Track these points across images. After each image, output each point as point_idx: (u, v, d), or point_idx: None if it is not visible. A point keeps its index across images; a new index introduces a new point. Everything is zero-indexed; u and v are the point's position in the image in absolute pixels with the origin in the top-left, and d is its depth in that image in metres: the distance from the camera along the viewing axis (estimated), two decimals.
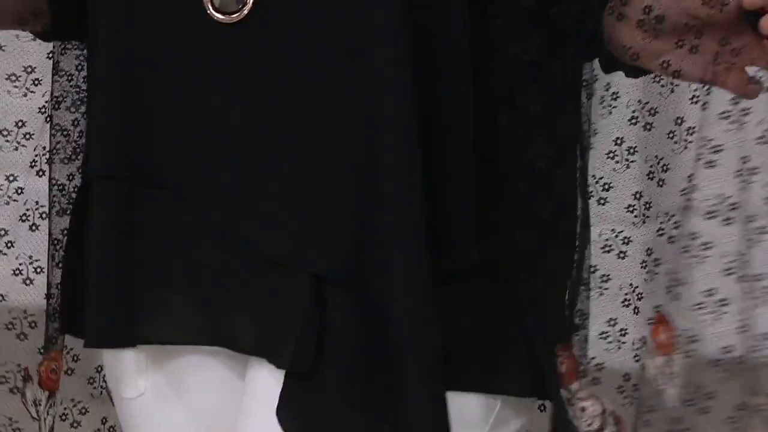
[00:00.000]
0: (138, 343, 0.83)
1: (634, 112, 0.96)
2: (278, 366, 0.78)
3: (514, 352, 0.81)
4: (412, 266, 0.75)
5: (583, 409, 0.97)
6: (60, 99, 0.95)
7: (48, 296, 0.95)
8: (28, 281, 1.02)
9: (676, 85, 0.94)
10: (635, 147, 0.96)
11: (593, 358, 0.98)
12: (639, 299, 0.97)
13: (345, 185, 0.77)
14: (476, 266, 0.79)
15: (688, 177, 0.94)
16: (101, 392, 1.07)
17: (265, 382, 0.79)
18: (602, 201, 0.98)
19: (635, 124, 0.96)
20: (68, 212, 0.94)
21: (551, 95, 0.86)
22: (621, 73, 0.91)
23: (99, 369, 1.06)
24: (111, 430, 1.07)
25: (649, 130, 0.95)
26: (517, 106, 0.83)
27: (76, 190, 0.94)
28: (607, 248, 0.98)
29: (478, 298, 0.80)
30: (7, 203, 1.01)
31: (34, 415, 1.00)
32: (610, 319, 0.98)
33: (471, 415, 0.80)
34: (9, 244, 1.02)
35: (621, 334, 0.97)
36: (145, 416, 0.86)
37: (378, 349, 0.76)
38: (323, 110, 0.77)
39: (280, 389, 0.78)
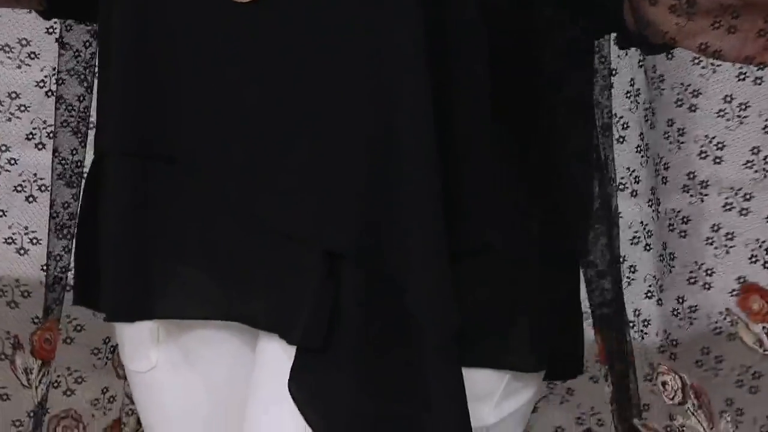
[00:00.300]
0: (154, 317, 0.83)
1: (678, 94, 0.94)
2: (290, 342, 0.78)
3: (525, 328, 0.81)
4: (430, 242, 0.75)
5: (664, 384, 0.99)
6: (67, 74, 0.96)
7: (47, 266, 0.96)
8: (22, 251, 1.02)
9: (719, 65, 0.91)
10: (684, 128, 0.95)
11: (670, 333, 0.99)
12: (709, 275, 0.96)
13: (362, 162, 0.76)
14: (491, 244, 0.79)
15: (752, 150, 0.92)
16: (106, 363, 1.08)
17: (275, 354, 0.79)
18: (664, 180, 0.97)
19: (681, 106, 0.94)
20: (71, 185, 0.96)
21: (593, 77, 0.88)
22: (660, 57, 0.90)
23: (106, 340, 1.07)
24: (111, 399, 1.08)
25: (694, 111, 0.93)
26: (568, 94, 0.85)
27: (78, 164, 0.96)
28: (671, 227, 0.98)
29: (491, 275, 0.80)
30: None
31: (25, 383, 1.01)
32: (678, 297, 0.98)
33: (480, 389, 0.80)
34: (0, 213, 1.03)
35: (691, 311, 0.98)
36: (157, 389, 0.87)
37: (393, 326, 0.76)
38: (341, 87, 0.76)
39: (290, 362, 0.77)
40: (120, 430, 1.11)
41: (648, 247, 1.00)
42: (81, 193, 0.94)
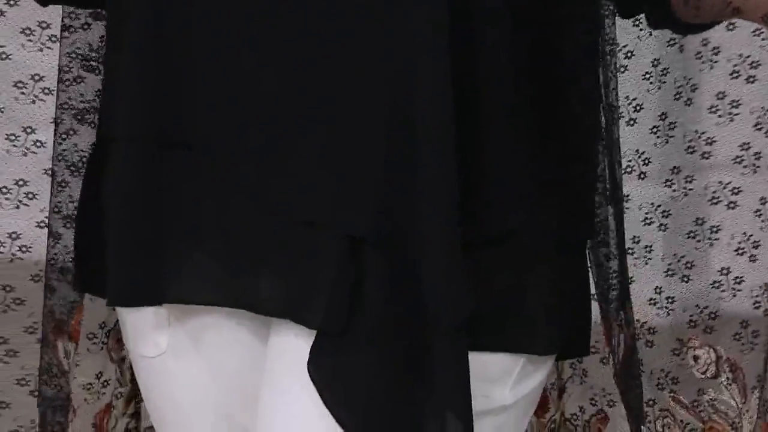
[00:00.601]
0: (163, 302, 0.81)
1: (735, 66, 0.95)
2: (308, 325, 0.77)
3: (541, 314, 0.82)
4: (444, 229, 0.76)
5: (695, 358, 1.00)
6: (92, 59, 0.95)
7: (49, 253, 0.94)
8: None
9: None
10: (738, 100, 0.96)
11: (706, 307, 1.00)
12: (755, 247, 0.98)
13: (380, 146, 0.76)
14: (513, 232, 0.80)
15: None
16: (102, 348, 1.06)
17: (291, 343, 0.79)
18: (706, 155, 0.98)
19: (737, 78, 0.96)
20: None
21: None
22: (719, 29, 0.91)
23: (102, 325, 1.06)
24: (105, 384, 1.07)
25: (752, 82, 0.95)
26: (585, 84, 0.86)
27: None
28: (714, 200, 0.99)
29: (512, 263, 0.81)
30: (25, 155, 1.01)
31: (66, 367, 0.99)
32: (723, 269, 0.99)
33: (495, 372, 0.82)
34: (30, 195, 1.02)
35: (736, 282, 0.99)
36: (166, 375, 0.86)
37: (409, 311, 0.77)
38: (357, 71, 0.76)
39: (307, 349, 0.77)
40: (110, 414, 1.08)
41: (663, 227, 1.01)
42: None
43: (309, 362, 0.76)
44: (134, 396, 1.07)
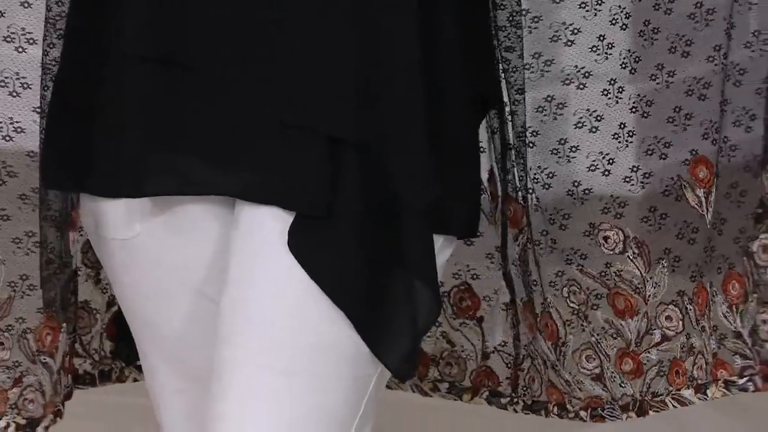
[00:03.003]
0: (146, 195, 0.93)
1: (614, 15, 1.18)
2: (296, 209, 0.90)
3: (459, 203, 1.02)
4: (414, 131, 0.92)
5: (605, 239, 1.20)
6: None
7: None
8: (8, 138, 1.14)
9: None
10: (613, 43, 1.19)
11: (618, 197, 1.20)
12: (667, 147, 1.19)
13: (352, 58, 0.92)
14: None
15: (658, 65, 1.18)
16: None
17: (262, 224, 0.90)
18: (632, 71, 1.19)
19: (614, 24, 1.18)
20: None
21: None
22: None
23: None
24: None
25: (625, 29, 1.18)
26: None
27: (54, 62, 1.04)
28: (634, 110, 1.20)
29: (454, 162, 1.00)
30: None
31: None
32: (633, 167, 1.20)
33: None
34: None
35: (645, 177, 1.19)
36: (141, 251, 0.97)
37: (382, 201, 0.92)
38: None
39: (278, 229, 0.89)
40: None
41: (594, 129, 1.21)
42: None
43: (290, 240, 0.89)
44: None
